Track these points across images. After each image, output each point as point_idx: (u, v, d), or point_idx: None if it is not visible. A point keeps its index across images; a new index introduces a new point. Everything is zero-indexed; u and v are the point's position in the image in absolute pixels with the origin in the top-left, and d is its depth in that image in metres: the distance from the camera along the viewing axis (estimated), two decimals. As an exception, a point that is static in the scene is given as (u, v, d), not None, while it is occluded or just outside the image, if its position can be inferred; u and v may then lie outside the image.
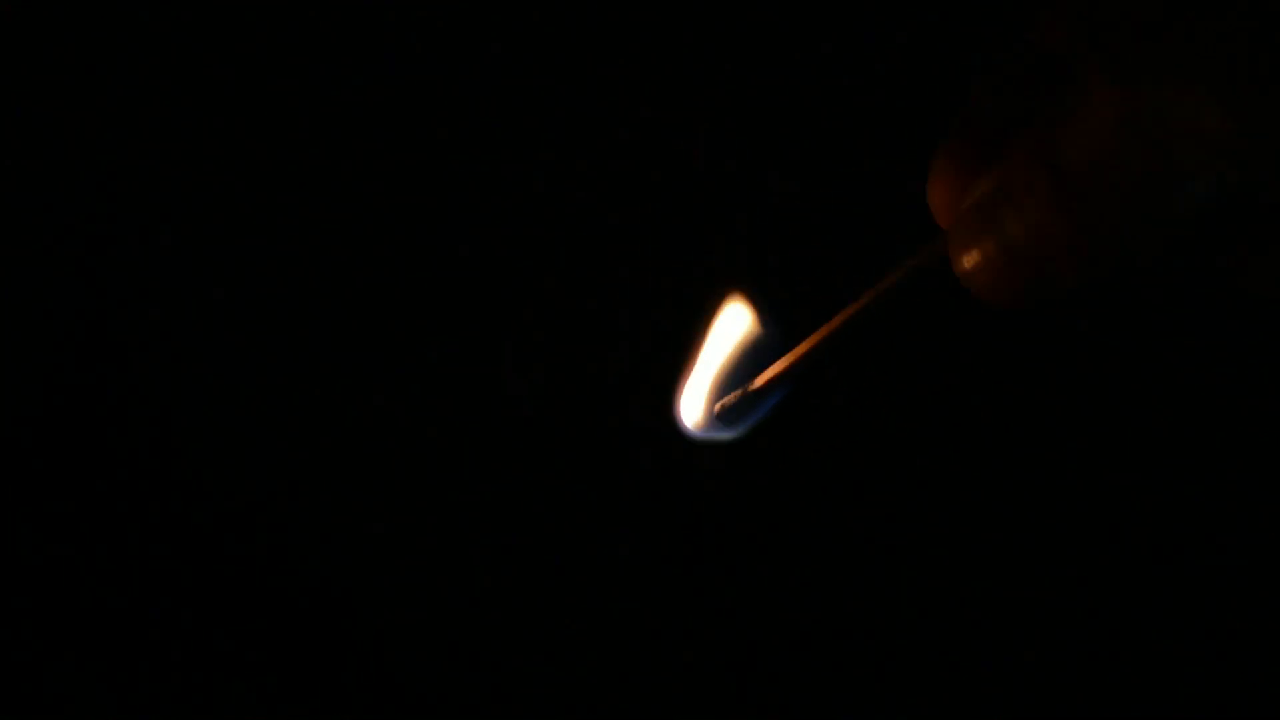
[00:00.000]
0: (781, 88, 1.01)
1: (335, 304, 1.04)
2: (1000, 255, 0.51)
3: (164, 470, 1.03)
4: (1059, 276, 0.50)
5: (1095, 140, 0.47)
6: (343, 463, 1.04)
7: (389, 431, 1.03)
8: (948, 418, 1.00)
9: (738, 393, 0.61)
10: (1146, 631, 1.00)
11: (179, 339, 1.04)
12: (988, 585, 1.02)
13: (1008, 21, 0.55)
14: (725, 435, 0.63)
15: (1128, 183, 0.47)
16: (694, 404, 0.64)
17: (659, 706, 1.03)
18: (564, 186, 1.02)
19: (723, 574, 1.03)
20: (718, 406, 0.62)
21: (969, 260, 0.52)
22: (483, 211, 1.03)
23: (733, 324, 0.65)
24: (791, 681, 1.03)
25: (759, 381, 0.61)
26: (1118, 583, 1.00)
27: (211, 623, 1.03)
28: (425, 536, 1.04)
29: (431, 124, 1.02)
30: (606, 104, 1.02)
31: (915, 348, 0.97)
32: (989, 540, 1.01)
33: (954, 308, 0.59)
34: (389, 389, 1.04)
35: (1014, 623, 1.01)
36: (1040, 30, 0.54)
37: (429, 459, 1.04)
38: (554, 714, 1.03)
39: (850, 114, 1.00)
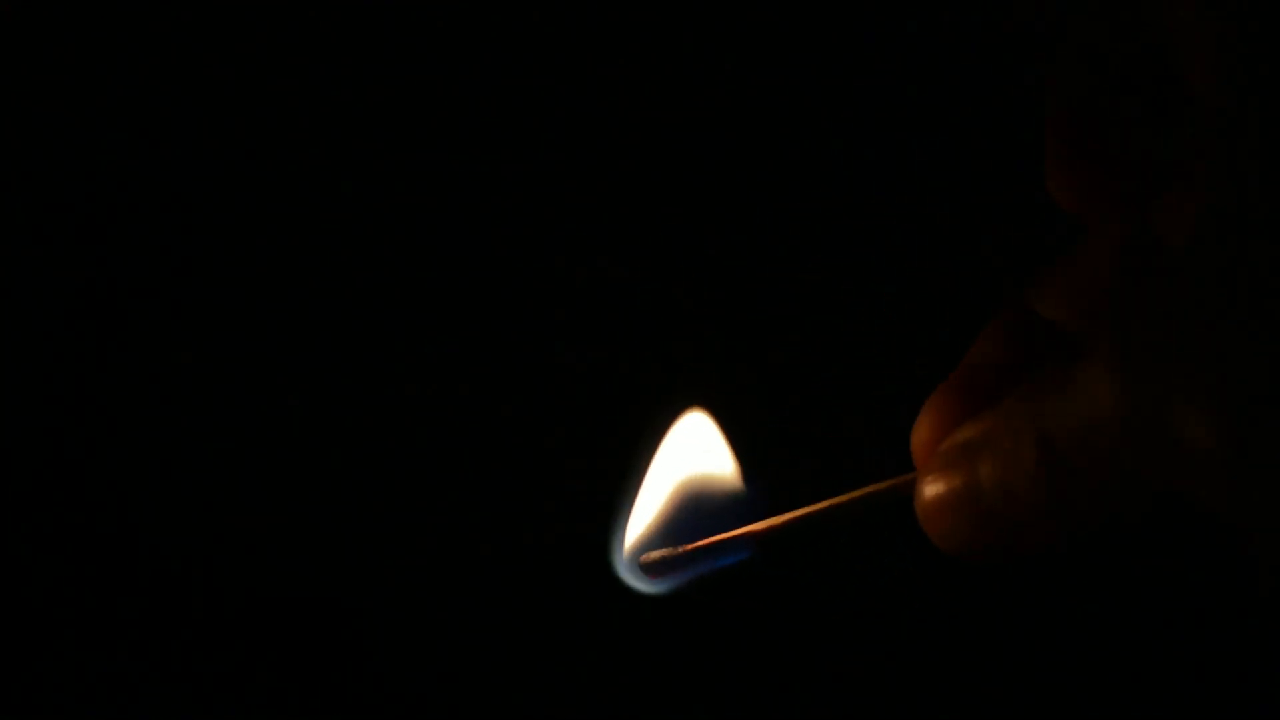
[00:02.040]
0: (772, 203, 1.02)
1: (329, 307, 1.04)
2: (965, 499, 0.50)
3: (161, 471, 1.04)
4: (1018, 539, 0.49)
5: (1088, 426, 0.46)
6: (338, 465, 1.04)
7: (383, 437, 1.04)
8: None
9: (666, 551, 0.59)
10: (1147, 633, 1.00)
11: (177, 339, 1.04)
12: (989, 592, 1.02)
13: (1015, 281, 0.55)
14: (646, 587, 0.61)
15: (1114, 476, 0.46)
16: (625, 545, 0.61)
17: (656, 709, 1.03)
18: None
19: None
20: (643, 559, 0.60)
21: (931, 493, 0.51)
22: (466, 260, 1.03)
23: (677, 457, 0.63)
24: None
25: (690, 547, 0.59)
26: (1117, 584, 1.00)
27: (209, 624, 1.03)
28: (418, 542, 1.04)
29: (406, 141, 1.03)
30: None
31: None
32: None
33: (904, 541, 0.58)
34: (388, 392, 1.04)
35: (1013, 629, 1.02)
36: (1046, 300, 0.54)
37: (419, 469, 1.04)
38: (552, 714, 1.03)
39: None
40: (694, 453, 0.62)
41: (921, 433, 0.54)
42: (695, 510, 0.61)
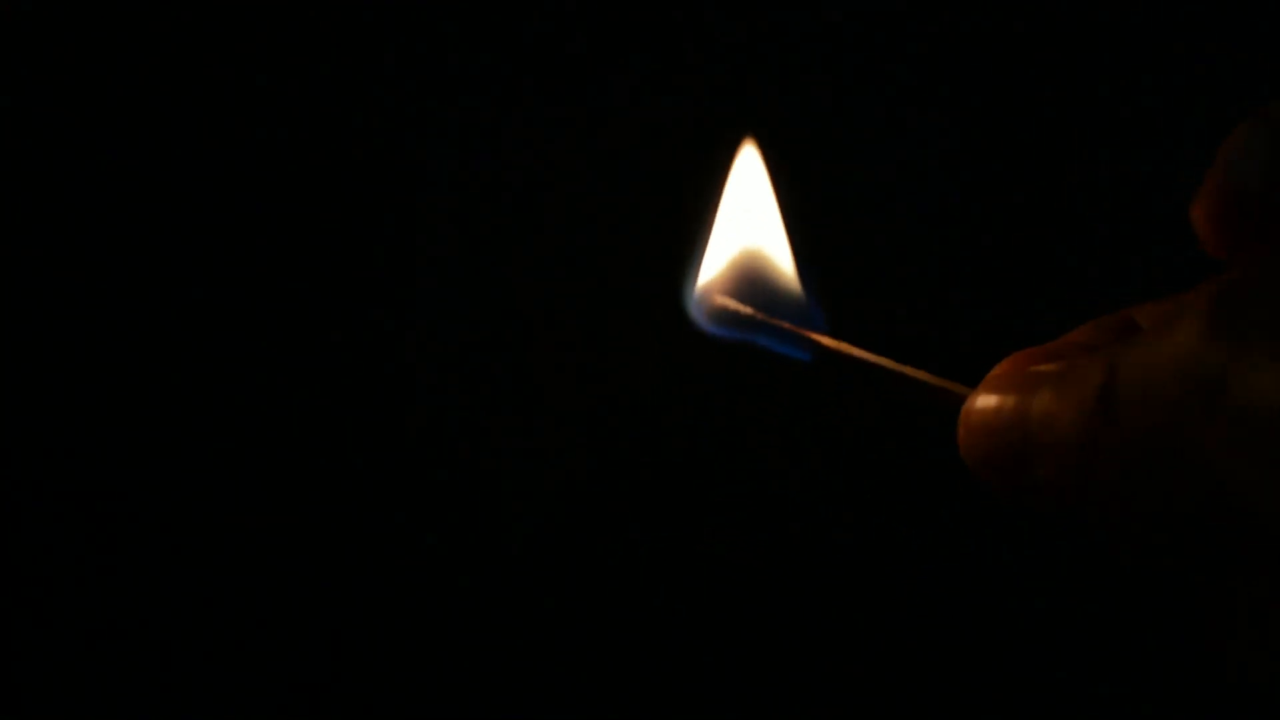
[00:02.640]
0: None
1: (329, 295, 1.04)
2: (1009, 417, 0.49)
3: (164, 469, 1.04)
4: (1038, 473, 0.49)
5: (1155, 368, 0.45)
6: (339, 451, 1.04)
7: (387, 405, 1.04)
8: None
9: (737, 304, 0.59)
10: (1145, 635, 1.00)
11: (178, 337, 1.04)
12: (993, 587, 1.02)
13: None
14: (707, 325, 0.60)
15: (1160, 430, 0.45)
16: (699, 280, 0.61)
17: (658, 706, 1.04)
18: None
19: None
20: (714, 299, 0.59)
21: (980, 403, 0.51)
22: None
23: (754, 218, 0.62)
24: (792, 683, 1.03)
25: (760, 315, 0.59)
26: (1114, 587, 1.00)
27: (209, 624, 1.03)
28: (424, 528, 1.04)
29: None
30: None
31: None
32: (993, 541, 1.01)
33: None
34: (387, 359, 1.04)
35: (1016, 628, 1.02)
36: (1138, 312, 0.54)
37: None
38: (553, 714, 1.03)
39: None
40: (766, 235, 0.62)
41: (1002, 366, 0.54)
42: (765, 285, 0.61)
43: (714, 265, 0.61)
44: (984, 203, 1.02)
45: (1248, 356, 0.42)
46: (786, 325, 0.58)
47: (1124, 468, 0.46)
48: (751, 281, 0.60)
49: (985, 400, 0.51)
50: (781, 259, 0.61)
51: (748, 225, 0.61)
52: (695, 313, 0.60)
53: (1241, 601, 0.47)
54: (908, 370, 0.56)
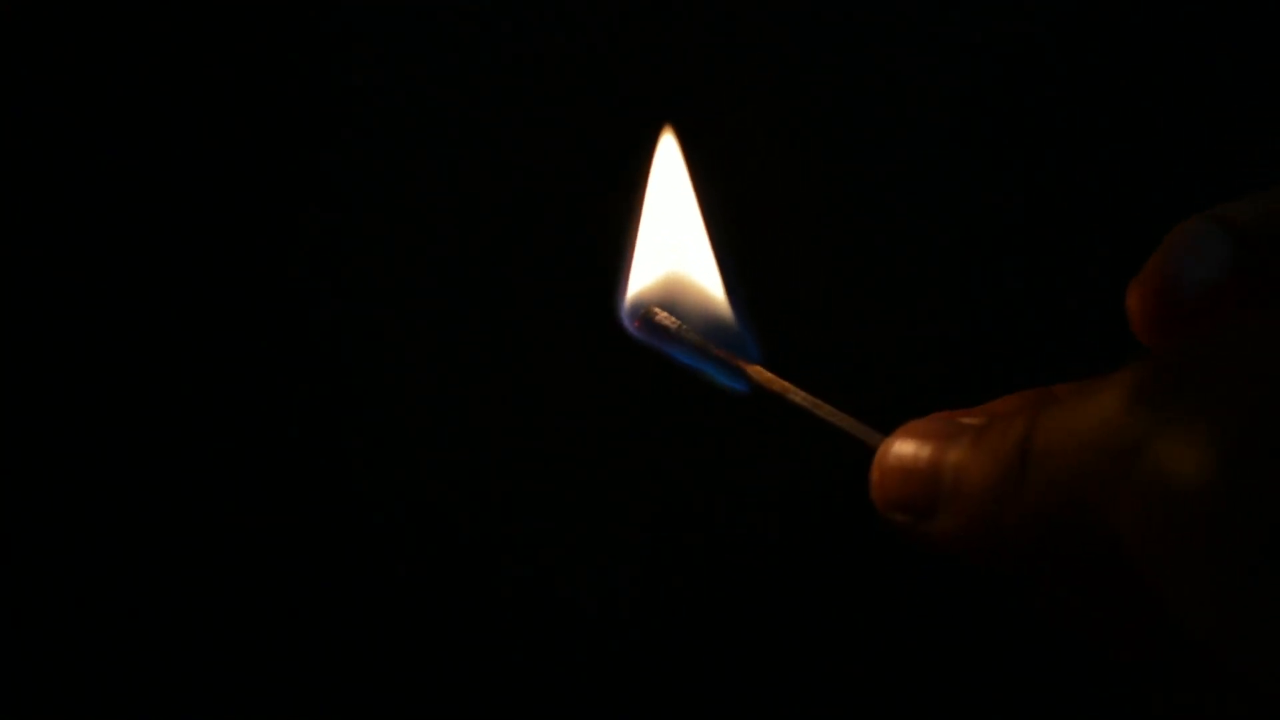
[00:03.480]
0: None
1: (324, 289, 1.04)
2: (923, 469, 0.49)
3: (169, 468, 1.04)
4: (939, 520, 0.49)
5: (1073, 432, 0.45)
6: (335, 443, 1.04)
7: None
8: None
9: (671, 319, 0.58)
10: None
11: (175, 338, 1.04)
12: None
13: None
14: (636, 334, 0.59)
15: (1069, 495, 0.44)
16: (630, 290, 0.59)
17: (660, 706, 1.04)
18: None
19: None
20: (645, 311, 0.58)
21: (898, 450, 0.51)
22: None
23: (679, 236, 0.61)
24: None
25: (693, 335, 0.58)
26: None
27: (209, 625, 1.03)
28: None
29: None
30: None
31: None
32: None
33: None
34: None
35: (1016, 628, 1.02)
36: (1061, 388, 0.54)
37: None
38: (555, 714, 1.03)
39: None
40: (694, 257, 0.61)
41: (932, 417, 0.53)
42: (695, 311, 0.60)
43: (643, 276, 0.60)
44: (919, 212, 1.02)
45: (1167, 431, 0.42)
46: (718, 352, 0.57)
47: (1032, 525, 0.46)
48: (680, 306, 0.59)
49: (903, 445, 0.51)
50: (710, 282, 0.60)
51: (675, 242, 0.60)
52: (626, 319, 0.59)
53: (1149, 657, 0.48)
54: (826, 409, 0.56)
